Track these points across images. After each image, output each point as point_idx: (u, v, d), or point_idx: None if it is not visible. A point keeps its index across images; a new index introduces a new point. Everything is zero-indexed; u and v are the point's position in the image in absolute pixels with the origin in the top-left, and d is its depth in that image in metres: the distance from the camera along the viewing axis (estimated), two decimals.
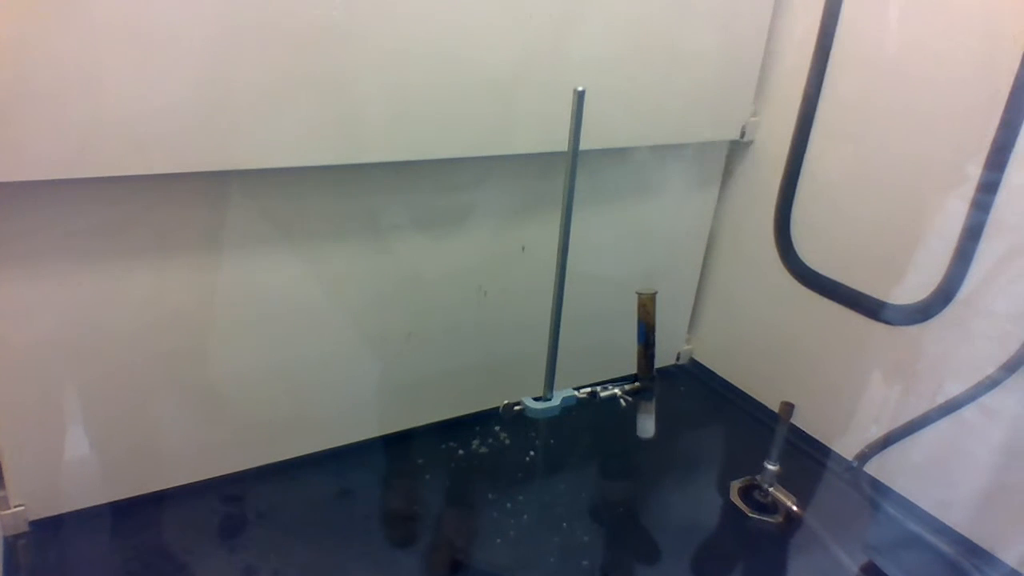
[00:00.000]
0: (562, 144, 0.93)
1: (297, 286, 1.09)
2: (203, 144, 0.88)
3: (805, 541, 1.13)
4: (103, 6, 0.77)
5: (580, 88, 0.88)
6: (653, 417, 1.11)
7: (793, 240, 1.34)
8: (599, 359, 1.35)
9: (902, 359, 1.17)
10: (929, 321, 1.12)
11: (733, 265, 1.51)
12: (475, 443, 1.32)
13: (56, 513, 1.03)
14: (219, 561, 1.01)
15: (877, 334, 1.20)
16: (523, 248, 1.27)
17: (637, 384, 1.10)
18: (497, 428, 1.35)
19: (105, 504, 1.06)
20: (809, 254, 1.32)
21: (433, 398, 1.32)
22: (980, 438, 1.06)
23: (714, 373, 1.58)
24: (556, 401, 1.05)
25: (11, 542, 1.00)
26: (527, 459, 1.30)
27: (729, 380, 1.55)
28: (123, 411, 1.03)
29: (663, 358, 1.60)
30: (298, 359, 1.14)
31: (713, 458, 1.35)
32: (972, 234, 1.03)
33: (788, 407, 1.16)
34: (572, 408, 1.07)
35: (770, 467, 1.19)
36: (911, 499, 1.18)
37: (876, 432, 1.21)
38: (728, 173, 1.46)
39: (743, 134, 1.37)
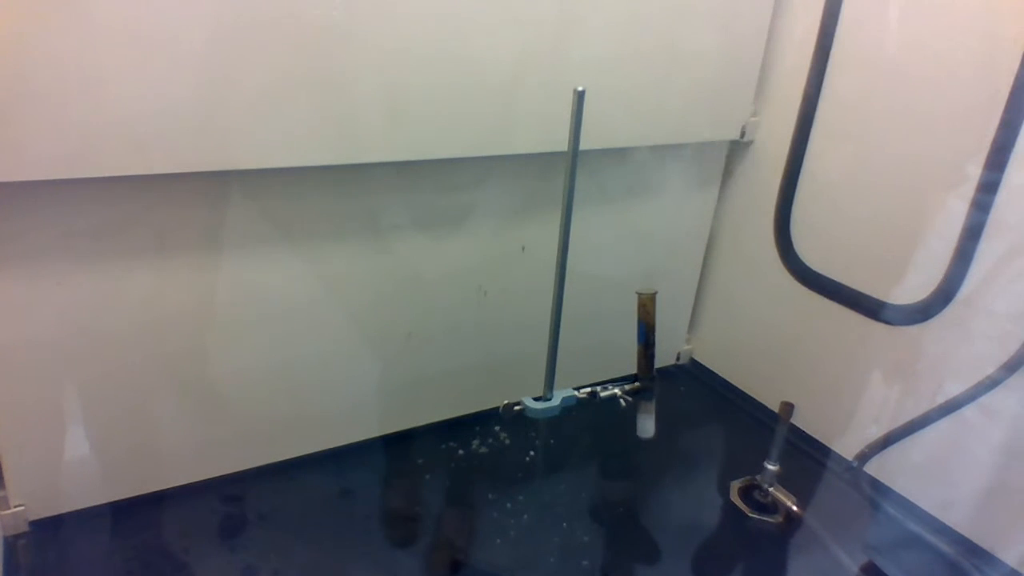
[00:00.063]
0: (562, 144, 0.93)
1: (297, 286, 1.09)
2: (203, 144, 0.88)
3: (805, 541, 1.13)
4: (103, 6, 0.77)
5: (580, 88, 0.88)
6: (653, 417, 1.11)
7: (793, 240, 1.34)
8: (599, 359, 1.35)
9: (902, 359, 1.17)
10: (929, 321, 1.12)
11: (733, 265, 1.51)
12: (475, 443, 1.32)
13: (56, 513, 1.03)
14: (219, 561, 1.01)
15: (877, 334, 1.20)
16: (523, 248, 1.27)
17: (637, 384, 1.10)
18: (497, 428, 1.35)
19: (105, 504, 1.06)
20: (809, 254, 1.32)
21: (433, 398, 1.32)
22: (980, 438, 1.06)
23: (714, 373, 1.58)
24: (556, 401, 1.05)
25: (11, 542, 1.00)
26: (527, 459, 1.30)
27: (729, 380, 1.55)
28: (123, 411, 1.03)
29: (663, 358, 1.60)
30: (298, 359, 1.14)
31: (713, 458, 1.35)
32: (972, 234, 1.03)
33: (788, 407, 1.16)
34: (572, 408, 1.07)
35: (770, 467, 1.19)
36: (911, 499, 1.18)
37: (876, 432, 1.21)
38: (728, 173, 1.46)
39: (743, 134, 1.37)
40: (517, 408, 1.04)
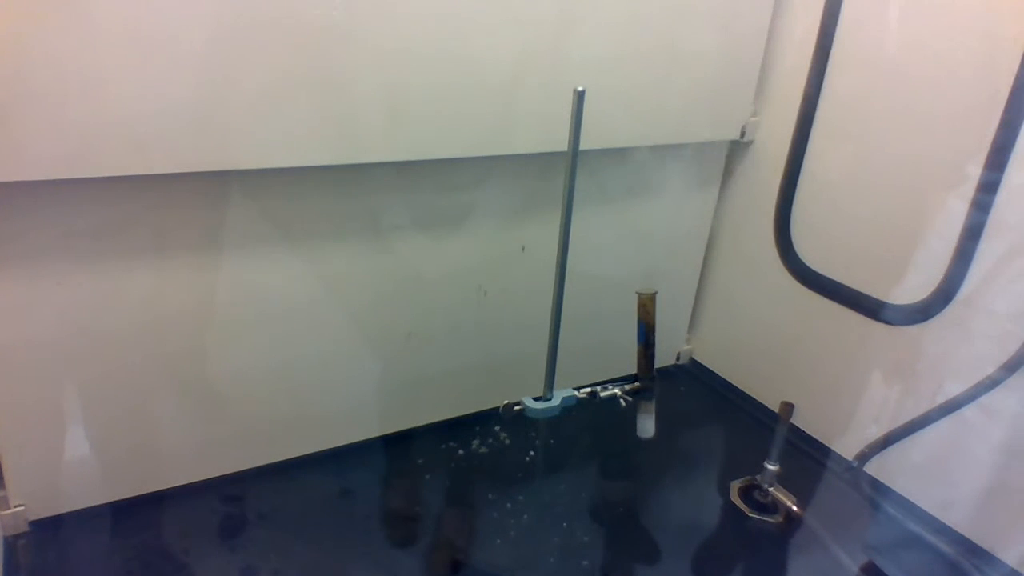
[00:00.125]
0: (562, 144, 0.93)
1: (297, 286, 1.09)
2: (203, 144, 0.88)
3: (805, 541, 1.13)
4: (103, 6, 0.77)
5: (580, 88, 0.88)
6: (653, 417, 1.11)
7: (793, 240, 1.34)
8: (599, 359, 1.35)
9: (902, 359, 1.17)
10: (929, 321, 1.12)
11: (733, 265, 1.51)
12: (475, 443, 1.32)
13: (56, 513, 1.03)
14: (219, 561, 1.01)
15: (877, 334, 1.20)
16: (523, 248, 1.27)
17: (637, 384, 1.10)
18: (497, 428, 1.35)
19: (105, 504, 1.06)
20: (809, 254, 1.32)
21: (433, 398, 1.32)
22: (980, 438, 1.06)
23: (714, 373, 1.58)
24: (556, 401, 1.05)
25: (11, 542, 1.00)
26: (527, 459, 1.30)
27: (729, 380, 1.55)
28: (123, 411, 1.03)
29: (663, 358, 1.60)
30: (298, 359, 1.14)
31: (713, 458, 1.35)
32: (972, 234, 1.03)
33: (788, 407, 1.16)
34: (572, 408, 1.07)
35: (770, 467, 1.19)
36: (911, 499, 1.18)
37: (876, 432, 1.21)
38: (728, 173, 1.46)
39: (743, 134, 1.37)
40: (517, 408, 1.04)
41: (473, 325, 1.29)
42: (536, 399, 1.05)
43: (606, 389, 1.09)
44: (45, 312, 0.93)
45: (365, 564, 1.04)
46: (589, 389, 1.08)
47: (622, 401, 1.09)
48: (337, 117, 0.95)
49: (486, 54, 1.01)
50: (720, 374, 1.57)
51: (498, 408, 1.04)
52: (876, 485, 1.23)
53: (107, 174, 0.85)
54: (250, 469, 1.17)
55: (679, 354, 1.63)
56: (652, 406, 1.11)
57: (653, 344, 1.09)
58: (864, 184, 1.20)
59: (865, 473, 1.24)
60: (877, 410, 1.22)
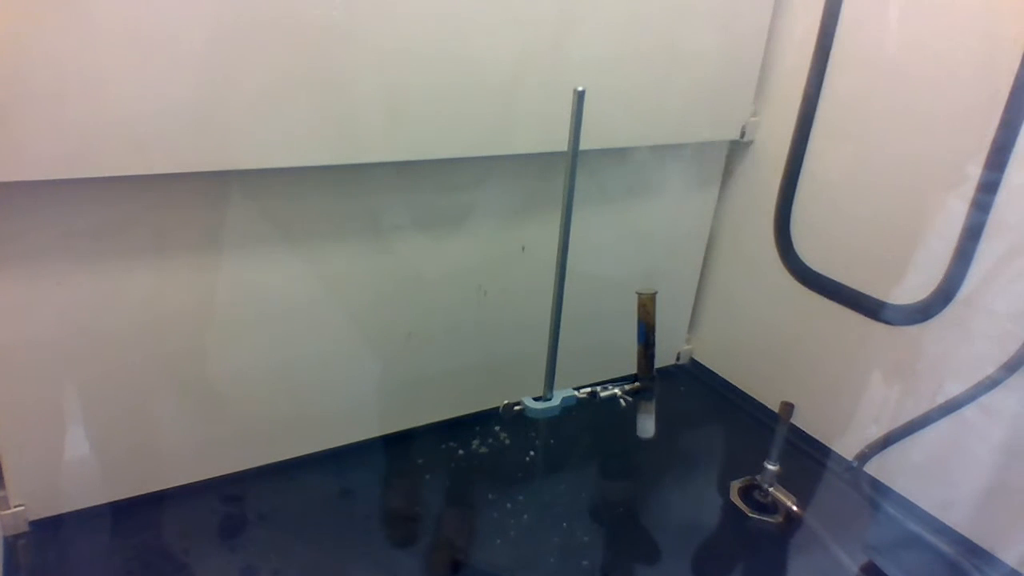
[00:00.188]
0: (562, 144, 0.93)
1: (297, 286, 1.09)
2: (203, 144, 0.88)
3: (805, 541, 1.13)
4: (103, 6, 0.77)
5: (580, 88, 0.88)
6: (653, 417, 1.11)
7: (793, 240, 1.34)
8: (599, 359, 1.35)
9: (902, 359, 1.17)
10: (929, 321, 1.12)
11: (733, 265, 1.51)
12: (475, 443, 1.32)
13: (56, 513, 1.03)
14: (219, 561, 1.01)
15: (877, 334, 1.20)
16: (523, 248, 1.27)
17: (637, 384, 1.10)
18: (497, 428, 1.35)
19: (105, 504, 1.06)
20: (809, 254, 1.32)
21: (433, 398, 1.32)
22: (980, 438, 1.06)
23: (714, 373, 1.58)
24: (556, 401, 1.05)
25: (11, 542, 1.00)
26: (527, 459, 1.30)
27: (729, 380, 1.55)
28: (123, 411, 1.03)
29: (663, 358, 1.60)
30: (298, 359, 1.14)
31: (713, 458, 1.35)
32: (972, 234, 1.03)
33: (788, 407, 1.16)
34: (572, 408, 1.07)
35: (770, 467, 1.19)
36: (911, 499, 1.18)
37: (876, 432, 1.21)
38: (728, 173, 1.46)
39: (743, 134, 1.37)
40: (517, 408, 1.04)
41: (473, 325, 1.29)
42: (536, 399, 1.05)
43: (606, 389, 1.09)
44: (45, 312, 0.93)
45: (365, 564, 1.04)
46: (589, 389, 1.08)
47: (622, 401, 1.09)
48: (337, 117, 0.95)
49: (486, 54, 1.01)
50: (720, 374, 1.57)
51: (498, 408, 1.04)
52: (876, 485, 1.23)
53: (107, 174, 0.85)
54: (250, 469, 1.17)
55: (679, 354, 1.63)
56: (652, 406, 1.11)
57: (653, 344, 1.09)
58: (864, 184, 1.20)
59: (865, 473, 1.24)
60: (877, 410, 1.22)
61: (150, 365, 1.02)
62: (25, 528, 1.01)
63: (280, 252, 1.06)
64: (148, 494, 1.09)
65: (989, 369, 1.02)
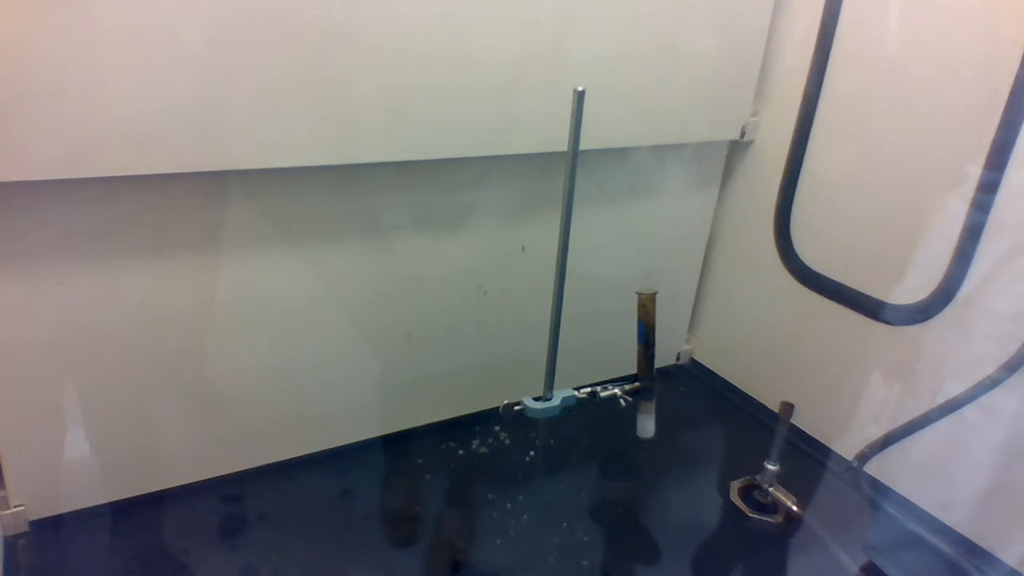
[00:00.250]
0: (562, 144, 0.93)
1: (297, 286, 1.09)
2: (203, 144, 0.89)
3: (805, 541, 1.13)
4: (103, 6, 0.77)
5: (580, 88, 0.88)
6: (653, 417, 1.11)
7: (793, 240, 1.34)
8: (599, 359, 1.35)
9: (902, 359, 1.17)
10: (929, 321, 1.12)
11: (733, 265, 1.51)
12: (475, 443, 1.32)
13: (56, 513, 1.03)
14: (219, 561, 1.01)
15: (877, 334, 1.20)
16: (523, 248, 1.27)
17: (637, 384, 1.10)
18: (497, 428, 1.35)
19: (105, 504, 1.06)
20: (809, 254, 1.32)
21: (433, 398, 1.32)
22: (980, 438, 1.06)
23: (714, 373, 1.58)
24: (556, 401, 1.05)
25: (11, 542, 1.00)
26: (527, 459, 1.30)
27: (729, 380, 1.55)
28: (123, 411, 1.03)
29: (663, 358, 1.60)
30: (298, 359, 1.14)
31: (713, 458, 1.35)
32: (972, 234, 1.03)
33: (788, 407, 1.16)
34: (572, 408, 1.07)
35: (770, 467, 1.19)
36: (911, 499, 1.18)
37: (876, 432, 1.21)
38: (728, 173, 1.46)
39: (743, 134, 1.37)
40: (517, 408, 1.04)
41: (473, 325, 1.29)
42: (536, 399, 1.05)
43: (606, 389, 1.09)
44: (45, 312, 0.93)
45: (365, 564, 1.04)
46: (589, 389, 1.08)
47: (622, 401, 1.09)
48: (337, 117, 0.95)
49: (486, 54, 1.01)
50: (720, 374, 1.57)
51: (498, 408, 1.04)
52: (876, 485, 1.23)
53: (107, 174, 0.86)
54: (250, 469, 1.17)
55: (679, 354, 1.63)
56: (652, 406, 1.11)
57: (653, 344, 1.09)
58: (864, 184, 1.20)
59: (865, 473, 1.24)
60: (877, 410, 1.22)
61: (150, 365, 1.02)
62: (25, 528, 1.01)
63: (280, 252, 1.06)
64: (148, 494, 1.09)
65: (989, 369, 1.02)
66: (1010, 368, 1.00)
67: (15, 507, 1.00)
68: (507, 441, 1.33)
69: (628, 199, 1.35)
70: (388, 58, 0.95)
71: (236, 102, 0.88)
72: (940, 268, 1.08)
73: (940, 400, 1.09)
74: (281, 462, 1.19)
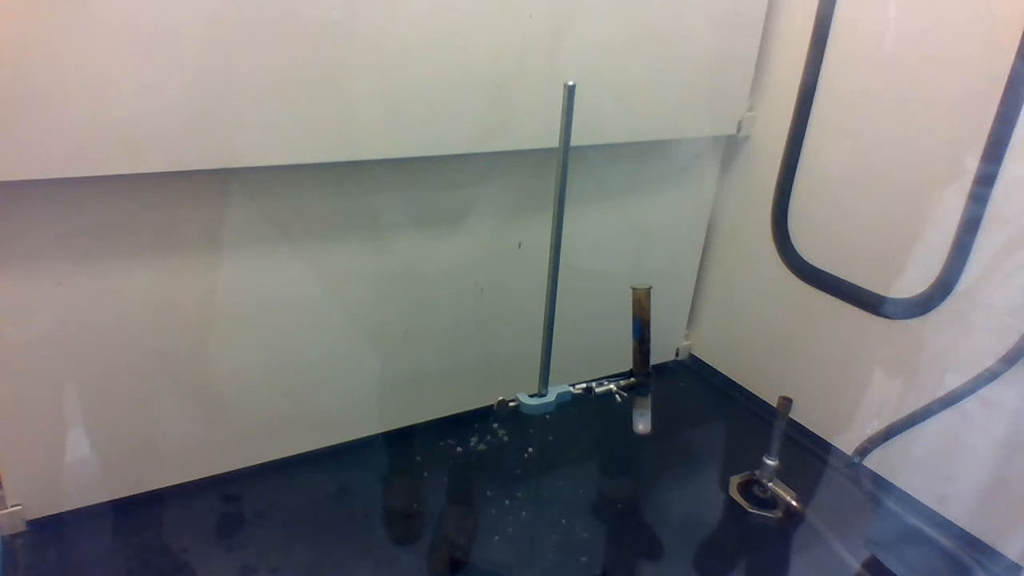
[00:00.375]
0: (558, 140, 0.94)
1: (296, 284, 1.09)
2: (202, 143, 0.89)
3: (805, 536, 1.12)
4: (103, 6, 0.78)
5: (571, 82, 0.88)
6: (649, 413, 1.11)
7: (791, 235, 1.34)
8: (597, 356, 1.35)
9: (901, 353, 1.17)
10: (928, 314, 1.11)
11: (731, 261, 1.51)
12: (473, 440, 1.31)
13: (54, 512, 1.03)
14: (218, 559, 1.01)
15: (876, 328, 1.20)
16: (519, 245, 1.27)
17: (632, 380, 1.10)
18: (495, 425, 1.35)
19: (103, 503, 1.06)
20: (807, 249, 1.32)
21: (431, 395, 1.32)
22: (980, 431, 1.05)
23: (713, 369, 1.58)
24: (551, 397, 1.05)
25: (8, 541, 1.00)
26: (525, 456, 1.30)
27: (728, 376, 1.55)
28: (121, 410, 1.03)
29: (662, 354, 1.60)
30: (295, 356, 1.15)
31: (712, 454, 1.35)
32: (970, 227, 1.03)
33: (786, 402, 1.16)
34: (569, 404, 1.07)
35: (769, 462, 1.18)
36: (912, 494, 1.17)
37: (876, 427, 1.21)
38: (725, 168, 1.46)
39: (739, 129, 1.37)
40: (512, 404, 1.04)
41: (470, 322, 1.29)
42: (531, 395, 1.05)
43: (601, 385, 1.09)
44: (44, 311, 0.93)
45: (364, 562, 1.04)
46: (584, 385, 1.08)
47: (618, 397, 1.09)
48: (335, 115, 0.96)
49: (484, 52, 1.02)
50: (719, 370, 1.57)
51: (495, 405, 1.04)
52: (876, 480, 1.22)
53: (107, 173, 0.86)
54: (249, 467, 1.17)
55: (678, 350, 1.63)
56: (648, 402, 1.11)
57: (648, 339, 1.08)
58: (861, 178, 1.20)
59: (865, 468, 1.24)
60: (877, 405, 1.21)
61: (148, 364, 1.02)
62: (23, 527, 1.01)
63: (279, 250, 1.06)
64: (146, 492, 1.09)
65: (988, 362, 1.02)
66: (1009, 361, 0.99)
67: (12, 507, 1.00)
68: (505, 438, 1.33)
69: (625, 195, 1.35)
70: (386, 56, 0.95)
71: (236, 101, 0.88)
72: (938, 262, 1.07)
73: (940, 394, 1.09)
74: (279, 460, 1.19)
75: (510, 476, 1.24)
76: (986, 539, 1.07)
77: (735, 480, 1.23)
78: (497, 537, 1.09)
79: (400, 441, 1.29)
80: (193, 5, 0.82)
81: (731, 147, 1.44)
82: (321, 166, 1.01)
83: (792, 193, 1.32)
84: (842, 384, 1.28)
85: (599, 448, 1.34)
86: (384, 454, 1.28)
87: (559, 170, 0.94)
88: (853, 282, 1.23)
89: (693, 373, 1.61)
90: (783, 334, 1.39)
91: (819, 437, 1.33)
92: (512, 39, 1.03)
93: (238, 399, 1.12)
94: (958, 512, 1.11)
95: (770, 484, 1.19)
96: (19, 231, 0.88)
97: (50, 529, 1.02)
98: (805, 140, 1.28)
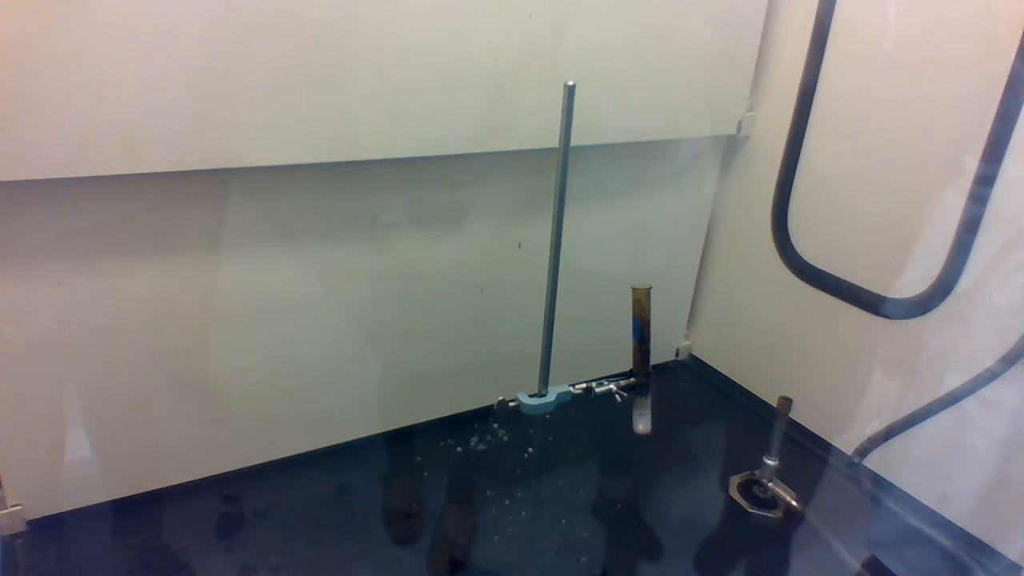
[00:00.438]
0: (558, 140, 0.94)
1: (296, 284, 1.10)
2: (202, 143, 0.89)
3: (805, 536, 1.12)
4: (103, 6, 0.78)
5: (570, 82, 0.88)
6: (649, 413, 1.11)
7: (791, 235, 1.34)
8: (597, 356, 1.35)
9: (901, 353, 1.17)
10: (928, 314, 1.11)
11: (731, 261, 1.51)
12: (473, 440, 1.32)
13: (54, 512, 1.03)
14: (218, 559, 1.01)
15: (876, 328, 1.20)
16: (519, 245, 1.27)
17: (632, 380, 1.10)
18: (495, 425, 1.35)
19: (103, 503, 1.06)
20: (807, 249, 1.32)
21: (431, 395, 1.32)
22: (980, 431, 1.05)
23: (713, 369, 1.58)
24: (551, 397, 1.05)
25: (8, 541, 1.00)
26: (525, 456, 1.30)
27: (728, 376, 1.55)
28: (121, 410, 1.03)
29: (662, 354, 1.60)
30: (296, 357, 1.15)
31: (712, 454, 1.35)
32: (970, 227, 1.03)
33: (786, 402, 1.16)
34: (568, 404, 1.07)
35: (769, 462, 1.18)
36: (912, 494, 1.17)
37: (876, 427, 1.21)
38: (725, 169, 1.46)
39: (739, 129, 1.37)
40: (512, 404, 1.04)
41: (470, 322, 1.29)
42: (531, 395, 1.05)
43: (601, 385, 1.09)
44: (44, 311, 0.93)
45: (364, 562, 1.04)
46: (584, 385, 1.08)
47: (618, 397, 1.09)
48: (335, 115, 0.96)
49: (485, 52, 1.02)
50: (719, 370, 1.57)
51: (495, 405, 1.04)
52: (877, 480, 1.22)
53: (107, 173, 0.86)
54: (249, 467, 1.17)
55: (678, 350, 1.63)
56: (647, 401, 1.11)
57: (648, 339, 1.08)
58: (861, 178, 1.20)
59: (865, 468, 1.24)
60: (877, 405, 1.21)
61: (149, 364, 1.02)
62: (23, 527, 1.02)
63: (279, 250, 1.06)
64: (146, 493, 1.09)
65: (988, 362, 1.02)
66: (1009, 361, 0.99)
67: (12, 507, 1.00)
68: (505, 438, 1.33)
69: (625, 195, 1.35)
70: (386, 56, 0.95)
71: (236, 101, 0.89)
72: (938, 262, 1.07)
73: (940, 393, 1.09)
74: (279, 460, 1.19)
75: (510, 476, 1.24)
76: (986, 539, 1.07)
77: (735, 480, 1.23)
78: (497, 537, 1.09)
79: (400, 441, 1.29)
80: (193, 5, 0.82)
81: (731, 147, 1.44)
82: (321, 166, 1.01)
83: (792, 193, 1.32)
84: (842, 384, 1.28)
85: (599, 448, 1.34)
86: (384, 454, 1.28)
87: (559, 170, 0.94)
88: (853, 282, 1.23)
89: (693, 373, 1.61)
90: (783, 334, 1.39)
91: (819, 437, 1.33)
92: (512, 39, 1.03)
93: (238, 399, 1.12)
94: (958, 512, 1.11)
95: (770, 484, 1.19)
96: (19, 231, 0.88)
97: (50, 529, 1.02)
98: (805, 140, 1.28)
